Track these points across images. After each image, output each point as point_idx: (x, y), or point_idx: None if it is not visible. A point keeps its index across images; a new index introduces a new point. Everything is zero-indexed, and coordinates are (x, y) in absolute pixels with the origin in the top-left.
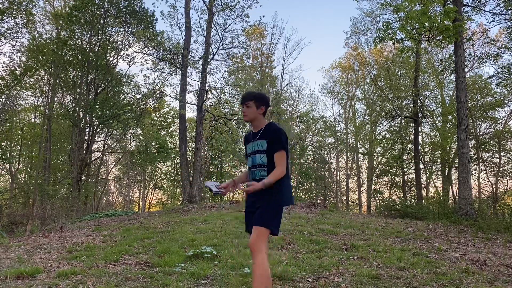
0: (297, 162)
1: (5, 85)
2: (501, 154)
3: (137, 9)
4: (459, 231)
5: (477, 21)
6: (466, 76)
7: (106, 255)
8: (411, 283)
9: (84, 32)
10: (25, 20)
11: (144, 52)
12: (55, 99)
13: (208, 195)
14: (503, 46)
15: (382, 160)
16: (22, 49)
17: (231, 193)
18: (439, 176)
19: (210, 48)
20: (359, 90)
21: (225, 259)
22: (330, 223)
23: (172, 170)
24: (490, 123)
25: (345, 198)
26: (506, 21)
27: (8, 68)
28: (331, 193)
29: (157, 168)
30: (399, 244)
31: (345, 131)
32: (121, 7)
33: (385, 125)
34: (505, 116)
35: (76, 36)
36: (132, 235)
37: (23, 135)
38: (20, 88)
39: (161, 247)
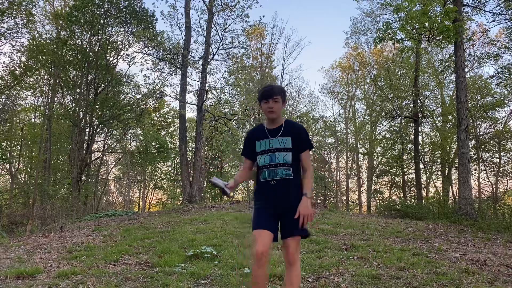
0: None
1: (5, 85)
2: (501, 154)
3: (137, 9)
4: (459, 231)
5: (477, 21)
6: (466, 76)
7: (106, 255)
8: (411, 283)
9: (84, 32)
10: (25, 20)
11: (144, 52)
12: (55, 99)
13: (208, 195)
14: (503, 46)
15: (382, 160)
16: (22, 49)
17: (232, 193)
18: (439, 176)
19: (210, 48)
20: (359, 90)
21: (225, 259)
22: (330, 223)
23: (172, 170)
24: (490, 123)
25: (345, 198)
26: (506, 21)
27: (8, 68)
28: (331, 193)
29: (157, 168)
30: (399, 244)
31: (345, 131)
32: (121, 7)
33: (385, 125)
34: (505, 116)
35: (76, 36)
36: (132, 235)
37: (23, 135)
38: (20, 88)
39: (161, 247)
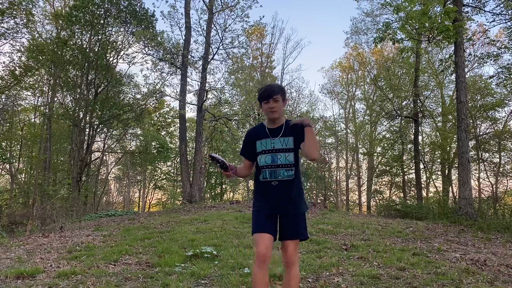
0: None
1: (5, 85)
2: (501, 154)
3: (137, 9)
4: (459, 231)
5: (477, 21)
6: (466, 76)
7: (106, 255)
8: (411, 283)
9: (84, 32)
10: (25, 20)
11: (144, 52)
12: (55, 99)
13: (208, 195)
14: (503, 46)
15: (382, 160)
16: (22, 49)
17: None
18: (439, 176)
19: (210, 48)
20: (359, 90)
21: (225, 259)
22: (330, 223)
23: (172, 170)
24: (490, 123)
25: (345, 198)
26: (506, 21)
27: (8, 68)
28: (331, 193)
29: (157, 168)
30: (399, 244)
31: (345, 131)
32: (121, 7)
33: (385, 125)
34: (505, 116)
35: (76, 36)
36: (132, 235)
37: (23, 135)
38: (20, 88)
39: (161, 247)
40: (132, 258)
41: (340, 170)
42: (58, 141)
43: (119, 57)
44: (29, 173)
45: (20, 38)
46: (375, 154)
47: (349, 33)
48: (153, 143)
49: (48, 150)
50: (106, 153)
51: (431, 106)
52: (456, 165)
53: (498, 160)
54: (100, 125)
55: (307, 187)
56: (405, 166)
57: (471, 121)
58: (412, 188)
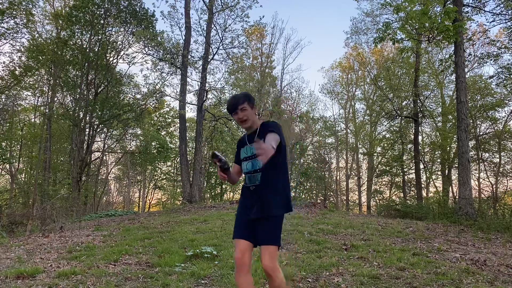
0: (297, 162)
1: (5, 85)
2: (501, 154)
3: (137, 9)
4: (459, 231)
5: (477, 21)
6: (466, 76)
7: (106, 255)
8: (411, 283)
9: (84, 32)
10: (25, 20)
11: (144, 52)
12: (55, 99)
13: (208, 195)
14: (503, 46)
15: (382, 160)
16: (22, 49)
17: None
18: (439, 176)
19: (210, 48)
20: (359, 90)
21: (225, 259)
22: (330, 223)
23: (172, 170)
24: (490, 123)
25: (345, 198)
26: (506, 21)
27: (8, 68)
28: (331, 193)
29: (157, 168)
30: (399, 244)
31: (345, 131)
32: (121, 7)
33: (385, 125)
34: (505, 116)
35: (76, 36)
36: (132, 235)
37: (23, 135)
38: (20, 88)
39: (161, 247)
40: (132, 258)
41: (340, 170)
42: (58, 141)
43: (119, 57)
44: (29, 173)
45: (20, 38)
46: (375, 154)
47: (349, 33)
48: (153, 143)
49: (48, 150)
50: (106, 153)
51: (431, 106)
52: (456, 165)
53: (498, 160)
54: (100, 125)
55: (307, 187)
56: (405, 166)
57: (471, 121)
58: (412, 188)
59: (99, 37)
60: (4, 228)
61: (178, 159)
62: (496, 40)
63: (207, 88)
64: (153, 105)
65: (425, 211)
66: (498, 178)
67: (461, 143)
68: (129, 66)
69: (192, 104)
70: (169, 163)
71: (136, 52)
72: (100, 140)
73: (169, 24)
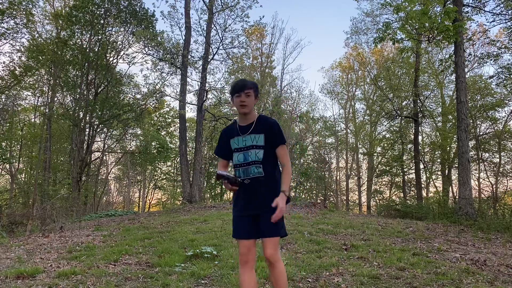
0: (297, 162)
1: (5, 85)
2: (501, 154)
3: (137, 9)
4: (459, 231)
5: (477, 21)
6: (466, 76)
7: (106, 255)
8: (411, 283)
9: (84, 32)
10: (25, 20)
11: (144, 52)
12: (55, 99)
13: (208, 195)
14: (503, 46)
15: (382, 160)
16: (22, 49)
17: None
18: (439, 176)
19: (210, 48)
20: (359, 90)
21: (225, 259)
22: (330, 223)
23: (172, 170)
24: (490, 123)
25: (345, 198)
26: (506, 21)
27: (8, 68)
28: (331, 193)
29: (157, 168)
30: (399, 244)
31: (345, 131)
32: (121, 7)
33: (385, 125)
34: (505, 116)
35: (76, 36)
36: (132, 235)
37: (23, 135)
38: (20, 88)
39: (161, 247)
40: (132, 258)
41: (340, 170)
42: (58, 141)
43: (119, 57)
44: (29, 173)
45: (20, 38)
46: (375, 154)
47: (349, 33)
48: (153, 143)
49: (48, 150)
50: (106, 153)
51: (431, 106)
52: (456, 165)
53: (498, 160)
54: (100, 125)
55: (307, 187)
56: (405, 166)
57: (471, 121)
58: (412, 188)
59: (99, 37)
60: (4, 228)
61: (178, 159)
62: (496, 40)
63: (207, 88)
64: (153, 105)
65: (425, 211)
66: (498, 178)
67: (461, 143)
68: (129, 66)
69: (192, 104)
70: (169, 163)
71: (136, 52)
72: (100, 140)
73: (169, 24)
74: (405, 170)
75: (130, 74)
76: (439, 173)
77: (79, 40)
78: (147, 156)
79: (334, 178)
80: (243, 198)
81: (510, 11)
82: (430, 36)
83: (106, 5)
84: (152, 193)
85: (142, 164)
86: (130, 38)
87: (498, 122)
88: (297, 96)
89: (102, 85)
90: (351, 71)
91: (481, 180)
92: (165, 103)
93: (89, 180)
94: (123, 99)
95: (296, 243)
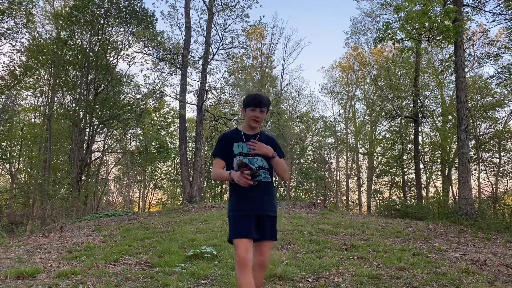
0: (297, 162)
1: (5, 85)
2: (501, 154)
3: (137, 9)
4: (459, 231)
5: (477, 21)
6: (466, 76)
7: (106, 255)
8: (411, 283)
9: (84, 32)
10: (25, 20)
11: (144, 52)
12: (55, 99)
13: (208, 195)
14: (503, 46)
15: (382, 160)
16: (22, 49)
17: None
18: (439, 176)
19: (210, 48)
20: (359, 90)
21: (225, 259)
22: (330, 223)
23: (172, 170)
24: (490, 123)
25: (345, 198)
26: (506, 21)
27: (8, 68)
28: (331, 193)
29: (157, 168)
30: (399, 244)
31: (345, 131)
32: (121, 7)
33: (385, 125)
34: (505, 116)
35: (76, 36)
36: (132, 235)
37: (23, 135)
38: (20, 88)
39: (161, 247)
40: (132, 258)
41: (340, 170)
42: (58, 141)
43: (119, 57)
44: (29, 173)
45: (20, 38)
46: (375, 154)
47: (349, 33)
48: (153, 143)
49: (48, 150)
50: (106, 153)
51: (431, 106)
52: (456, 165)
53: (498, 160)
54: (100, 125)
55: (307, 187)
56: (405, 166)
57: (471, 121)
58: (412, 188)
59: (99, 37)
60: (4, 228)
61: (178, 159)
62: (496, 40)
63: (207, 88)
64: (153, 105)
65: (425, 211)
66: (498, 178)
67: (461, 143)
68: (129, 66)
69: (192, 104)
70: (169, 163)
71: (136, 52)
72: (100, 140)
73: (169, 24)
74: (405, 170)
75: (130, 74)
76: (439, 173)
77: (79, 40)
78: (147, 156)
79: (334, 178)
80: (250, 197)
81: (510, 11)
82: (430, 36)
83: (106, 5)
84: (152, 193)
85: (142, 164)
86: (130, 38)
87: (498, 122)
88: (297, 96)
89: (102, 85)
90: (351, 71)
91: (481, 180)
92: (165, 103)
93: (89, 180)
94: (123, 99)
95: (296, 243)
